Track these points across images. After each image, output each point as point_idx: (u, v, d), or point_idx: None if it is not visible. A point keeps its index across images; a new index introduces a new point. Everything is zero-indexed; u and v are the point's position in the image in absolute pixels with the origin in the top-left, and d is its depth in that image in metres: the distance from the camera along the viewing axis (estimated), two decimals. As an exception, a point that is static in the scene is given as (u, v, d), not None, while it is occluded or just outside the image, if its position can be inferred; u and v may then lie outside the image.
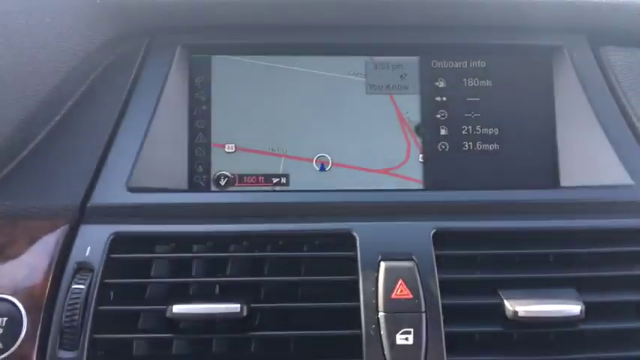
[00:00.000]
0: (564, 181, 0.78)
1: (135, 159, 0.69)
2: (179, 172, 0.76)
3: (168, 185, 0.73)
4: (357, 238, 0.65)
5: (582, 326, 0.62)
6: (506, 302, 0.62)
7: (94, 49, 0.71)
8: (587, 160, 0.75)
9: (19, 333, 0.59)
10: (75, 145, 0.69)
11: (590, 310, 0.62)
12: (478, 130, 0.80)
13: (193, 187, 0.77)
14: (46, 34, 0.67)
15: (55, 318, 0.60)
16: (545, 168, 0.79)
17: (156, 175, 0.72)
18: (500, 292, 0.63)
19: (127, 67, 0.74)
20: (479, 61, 0.81)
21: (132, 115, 0.72)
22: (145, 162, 0.70)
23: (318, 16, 0.74)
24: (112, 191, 0.67)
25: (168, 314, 0.59)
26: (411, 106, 0.79)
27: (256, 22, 0.75)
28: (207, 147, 0.78)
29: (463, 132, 0.79)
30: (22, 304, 0.60)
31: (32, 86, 0.67)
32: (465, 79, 0.80)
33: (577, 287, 0.64)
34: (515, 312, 0.61)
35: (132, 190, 0.68)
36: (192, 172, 0.77)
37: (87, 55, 0.71)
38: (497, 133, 0.80)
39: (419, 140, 0.79)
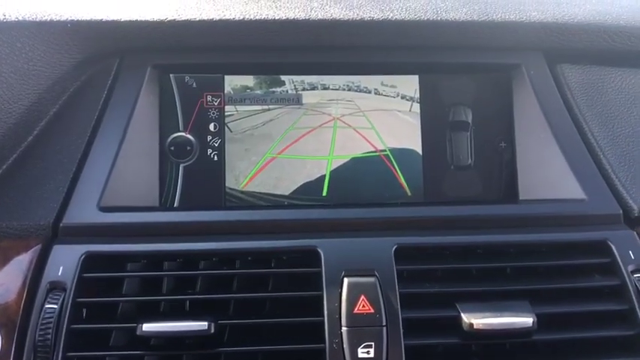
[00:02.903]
0: (522, 195, 0.81)
1: (107, 178, 0.71)
2: (150, 190, 0.78)
3: (139, 203, 0.75)
4: (322, 255, 0.67)
5: (535, 337, 0.65)
6: (463, 315, 0.64)
7: (64, 71, 0.73)
8: (544, 175, 0.79)
9: None
10: (47, 165, 0.71)
11: (542, 321, 0.64)
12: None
13: (164, 204, 0.79)
14: (16, 58, 0.69)
15: (29, 336, 0.62)
16: (505, 182, 0.83)
17: (127, 194, 0.74)
18: (457, 305, 0.65)
19: (98, 87, 0.76)
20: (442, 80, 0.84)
21: (103, 135, 0.74)
22: (117, 181, 0.72)
23: (279, 37, 0.77)
24: (83, 211, 0.69)
25: (138, 332, 0.61)
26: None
27: (221, 43, 0.77)
28: (178, 166, 0.80)
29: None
30: None
31: (4, 109, 0.69)
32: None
33: (531, 299, 0.66)
34: (472, 324, 0.63)
35: (103, 209, 0.70)
36: (162, 190, 0.80)
37: (58, 77, 0.73)
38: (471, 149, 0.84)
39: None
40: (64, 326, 0.62)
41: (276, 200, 0.81)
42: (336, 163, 0.82)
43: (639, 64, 0.83)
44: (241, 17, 0.75)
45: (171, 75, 0.81)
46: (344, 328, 0.63)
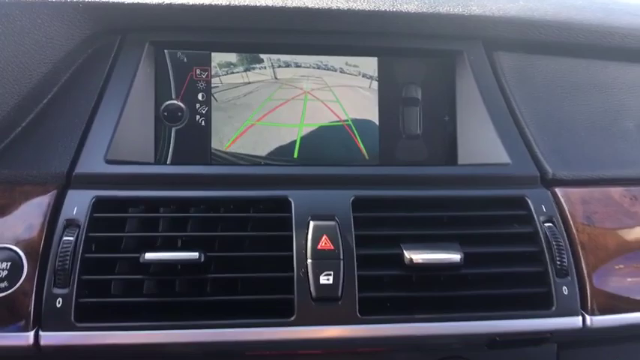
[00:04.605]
0: (461, 160, 0.96)
1: (111, 136, 0.84)
2: (147, 149, 0.92)
3: (137, 159, 0.88)
4: (292, 203, 0.81)
5: (463, 270, 0.79)
6: (405, 252, 0.78)
7: (75, 44, 0.85)
8: (479, 143, 0.94)
9: (21, 274, 0.73)
10: (61, 123, 0.83)
11: (469, 259, 0.79)
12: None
13: (158, 161, 0.93)
14: (37, 32, 0.81)
15: (50, 263, 0.74)
16: (446, 149, 0.98)
17: (128, 150, 0.86)
18: (401, 245, 0.79)
19: (103, 60, 0.88)
20: (397, 62, 0.99)
21: (108, 100, 0.86)
22: (120, 139, 0.85)
23: (259, 21, 0.90)
24: (92, 163, 0.82)
25: (141, 260, 0.74)
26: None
27: (209, 24, 0.90)
28: (170, 129, 0.94)
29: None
30: (23, 251, 0.74)
31: (26, 74, 0.81)
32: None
33: (461, 241, 0.80)
34: (411, 259, 0.78)
35: (109, 162, 0.82)
36: (157, 149, 0.93)
37: (69, 49, 0.85)
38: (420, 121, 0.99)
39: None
40: (79, 255, 0.74)
41: (254, 160, 0.95)
42: (306, 130, 0.96)
43: (562, 53, 0.98)
44: (227, 3, 0.88)
45: (165, 51, 0.94)
46: (309, 261, 0.77)
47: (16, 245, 0.75)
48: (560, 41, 0.97)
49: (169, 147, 0.93)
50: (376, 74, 0.98)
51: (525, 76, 0.96)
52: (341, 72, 0.97)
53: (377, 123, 0.98)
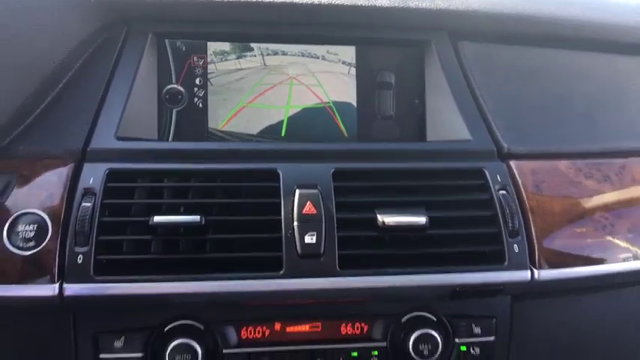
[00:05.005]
0: (429, 137, 1.08)
1: (120, 116, 0.94)
2: (151, 128, 1.03)
3: (143, 136, 0.99)
4: (280, 174, 0.91)
5: (428, 231, 0.90)
6: (378, 216, 0.89)
7: (87, 34, 0.96)
8: (444, 123, 1.05)
9: (46, 236, 0.84)
10: (75, 105, 0.94)
11: (434, 222, 0.89)
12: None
13: (161, 139, 1.04)
14: (55, 23, 0.92)
15: (71, 226, 0.84)
16: (416, 128, 1.10)
17: (135, 129, 0.97)
18: (375, 210, 0.90)
19: (111, 48, 0.99)
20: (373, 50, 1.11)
21: (116, 85, 0.97)
22: (127, 119, 0.95)
23: (250, 14, 1.02)
24: (104, 139, 0.92)
25: (150, 223, 0.84)
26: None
27: (205, 17, 1.02)
28: (171, 110, 1.05)
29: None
30: (47, 216, 0.84)
31: (45, 63, 0.91)
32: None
33: (427, 207, 0.91)
34: (384, 222, 0.88)
35: (119, 139, 0.92)
36: (160, 128, 1.04)
37: (82, 39, 0.95)
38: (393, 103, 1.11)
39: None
40: (96, 219, 0.84)
41: (246, 137, 1.06)
42: (292, 112, 1.08)
43: (519, 42, 1.10)
44: (221, -2, 0.99)
45: (166, 40, 1.05)
46: (295, 223, 0.87)
47: (40, 210, 0.85)
48: (518, 32, 1.09)
49: (171, 126, 1.05)
50: (354, 61, 1.10)
51: (486, 63, 1.08)
52: (323, 59, 1.09)
53: (355, 105, 1.10)
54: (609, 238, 0.98)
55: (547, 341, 1.01)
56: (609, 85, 1.13)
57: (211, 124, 1.06)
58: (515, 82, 1.08)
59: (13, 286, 0.83)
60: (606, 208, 0.99)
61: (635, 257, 0.98)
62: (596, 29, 1.13)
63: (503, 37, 1.10)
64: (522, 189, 0.97)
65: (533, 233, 0.94)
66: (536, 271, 0.93)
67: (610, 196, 1.00)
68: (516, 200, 0.96)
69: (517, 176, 0.98)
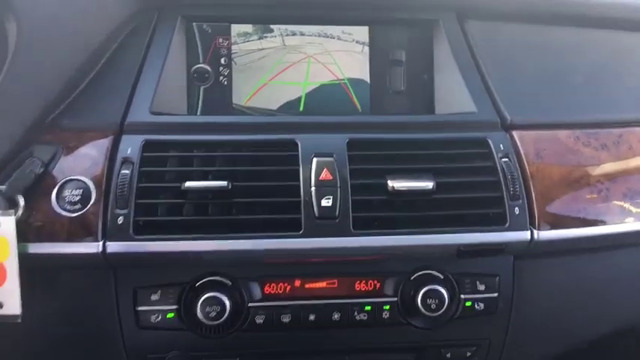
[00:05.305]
0: (437, 111, 1.16)
1: (154, 93, 1.03)
2: (181, 104, 1.12)
3: (173, 111, 1.08)
4: (299, 144, 0.99)
5: (434, 195, 0.97)
6: (389, 182, 0.96)
7: (123, 18, 1.05)
8: (452, 96, 1.12)
9: (90, 199, 0.93)
10: (113, 83, 1.03)
11: (440, 186, 0.97)
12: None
13: (190, 113, 1.14)
14: (96, 10, 1.01)
15: (112, 191, 0.93)
16: (426, 102, 1.18)
17: (166, 105, 1.05)
18: (386, 176, 0.97)
19: (144, 31, 1.07)
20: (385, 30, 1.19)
21: (149, 64, 1.05)
22: (160, 95, 1.03)
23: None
24: (140, 114, 1.01)
25: (182, 188, 0.93)
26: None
27: (229, 1, 1.11)
28: (199, 88, 1.15)
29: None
30: (91, 182, 0.94)
31: (87, 44, 1.00)
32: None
33: (434, 173, 0.98)
34: (394, 187, 0.95)
35: (153, 113, 1.01)
36: (189, 104, 1.14)
37: (119, 23, 1.04)
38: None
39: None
40: (134, 185, 0.93)
41: (268, 112, 1.15)
42: (310, 88, 1.16)
43: (522, 20, 1.16)
44: (243, -17, 1.08)
45: (193, 23, 1.14)
46: (313, 188, 0.94)
47: (85, 177, 0.94)
48: (523, 10, 1.16)
49: (199, 102, 1.14)
50: (367, 40, 1.17)
51: (492, 40, 1.15)
52: (338, 39, 1.17)
53: (368, 81, 1.17)
54: (604, 202, 1.04)
55: (546, 299, 1.08)
56: (609, 60, 1.19)
57: (235, 100, 1.15)
58: (518, 57, 1.15)
59: (62, 243, 0.92)
60: (603, 174, 1.06)
61: (628, 220, 1.04)
62: (599, 7, 1.19)
63: (509, 15, 1.16)
64: (523, 156, 1.03)
65: (533, 197, 1.01)
66: (535, 232, 1.00)
67: (607, 163, 1.06)
68: (518, 167, 1.02)
69: (519, 145, 1.04)
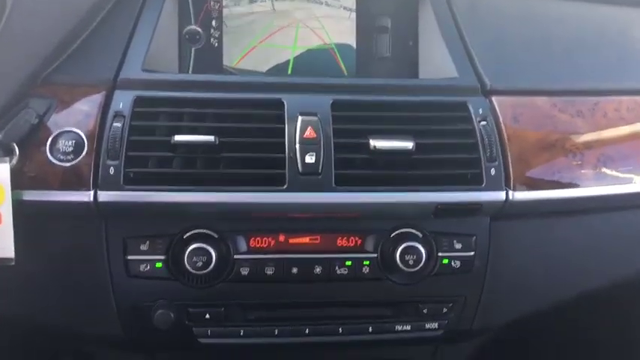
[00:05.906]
0: (421, 76, 1.20)
1: (146, 51, 1.06)
2: (172, 64, 1.16)
3: (165, 69, 1.12)
4: (285, 103, 1.02)
5: (414, 155, 1.01)
6: (370, 141, 1.00)
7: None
8: (435, 62, 1.17)
9: (82, 150, 0.96)
10: (107, 41, 1.06)
11: (419, 147, 1.01)
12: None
13: (181, 71, 1.17)
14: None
15: (104, 142, 0.96)
16: (410, 67, 1.22)
17: (159, 64, 1.09)
18: (368, 136, 1.01)
19: (138, -9, 1.12)
20: None
21: (142, 24, 1.09)
22: (153, 54, 1.07)
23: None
24: (132, 71, 1.04)
25: (171, 142, 0.96)
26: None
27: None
28: (190, 48, 1.18)
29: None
30: (83, 134, 0.97)
31: (82, 3, 1.04)
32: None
33: (415, 134, 1.02)
34: (375, 146, 0.99)
35: (145, 70, 1.05)
36: (180, 65, 1.17)
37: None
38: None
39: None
40: (125, 137, 0.96)
41: (257, 74, 1.19)
42: (298, 52, 1.20)
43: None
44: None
45: None
46: (297, 145, 0.98)
47: (78, 129, 0.98)
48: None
49: (190, 62, 1.18)
50: (354, 7, 1.21)
51: (474, 8, 1.18)
52: (326, 5, 1.20)
53: (354, 46, 1.21)
54: (579, 166, 1.08)
55: (521, 259, 1.13)
56: (589, 32, 1.23)
57: (226, 62, 1.18)
58: (501, 26, 1.18)
59: (55, 192, 0.96)
60: (577, 139, 1.10)
61: (601, 184, 1.09)
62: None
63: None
64: (501, 120, 1.07)
65: (510, 159, 1.05)
66: (510, 193, 1.04)
67: (582, 129, 1.11)
68: (495, 130, 1.06)
69: (497, 109, 1.08)
